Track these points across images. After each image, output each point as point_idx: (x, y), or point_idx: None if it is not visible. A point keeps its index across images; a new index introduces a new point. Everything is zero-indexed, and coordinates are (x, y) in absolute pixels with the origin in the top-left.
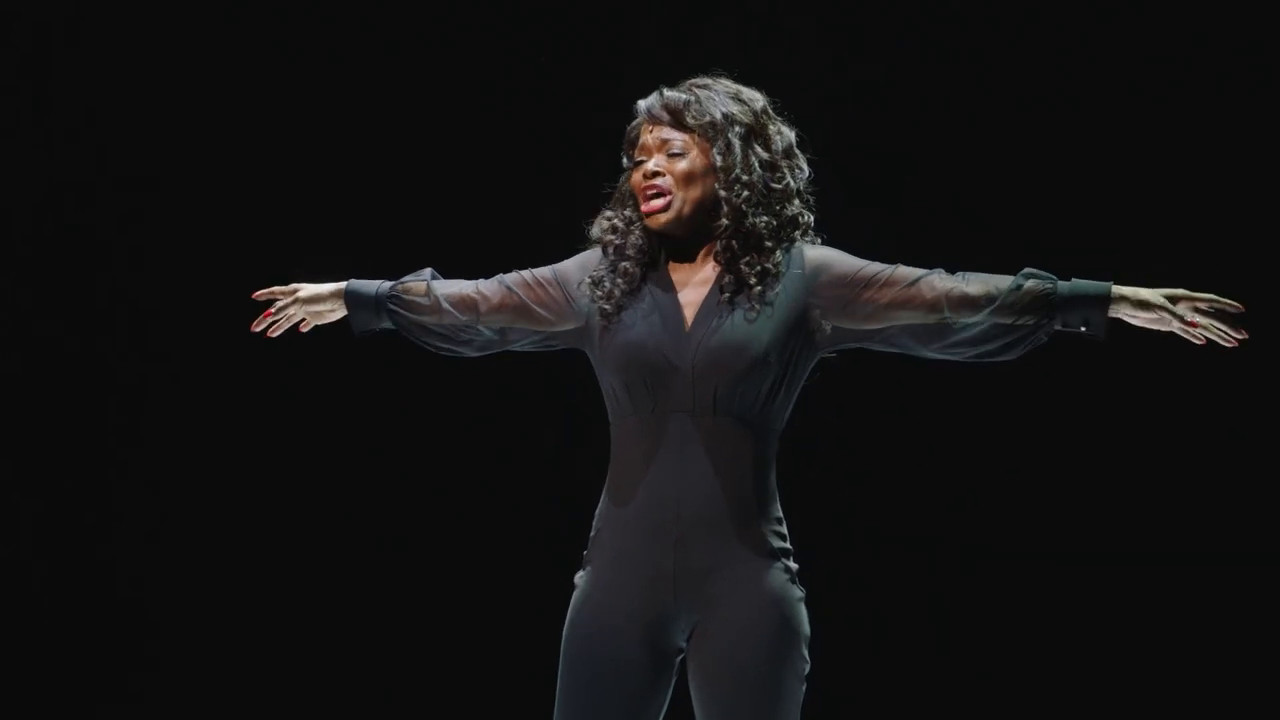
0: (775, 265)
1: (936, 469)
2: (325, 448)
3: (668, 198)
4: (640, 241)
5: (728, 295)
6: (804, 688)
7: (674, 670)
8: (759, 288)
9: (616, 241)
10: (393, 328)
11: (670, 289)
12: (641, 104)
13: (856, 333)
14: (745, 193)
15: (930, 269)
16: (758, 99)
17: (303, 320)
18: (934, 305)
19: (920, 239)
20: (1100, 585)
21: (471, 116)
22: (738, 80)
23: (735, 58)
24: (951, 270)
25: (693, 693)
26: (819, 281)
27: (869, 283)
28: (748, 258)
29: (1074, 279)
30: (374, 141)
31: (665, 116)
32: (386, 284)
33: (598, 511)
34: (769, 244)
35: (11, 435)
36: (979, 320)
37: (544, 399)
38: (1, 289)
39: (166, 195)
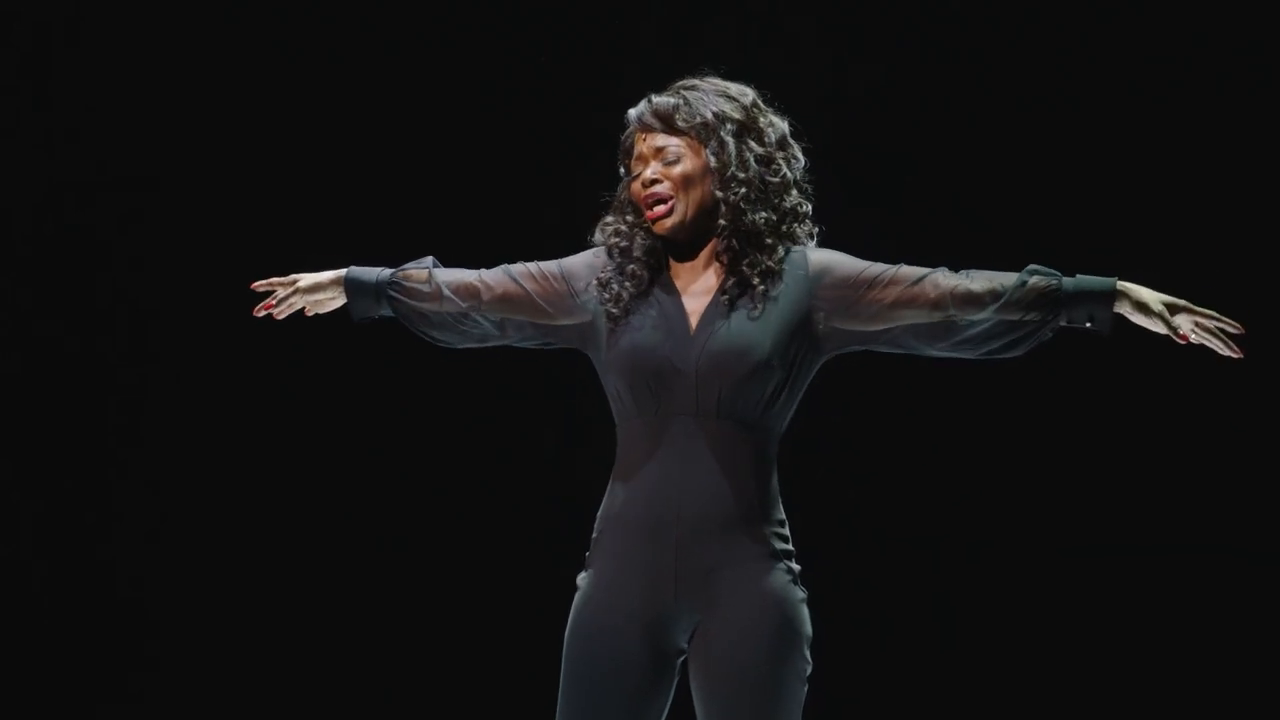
0: (777, 263)
1: (940, 469)
2: (325, 448)
3: (669, 203)
4: (647, 243)
5: (731, 298)
6: (805, 689)
7: (675, 671)
8: (762, 287)
9: (623, 244)
10: (392, 315)
11: (675, 292)
12: (632, 113)
13: (861, 334)
14: (742, 190)
15: (934, 268)
16: (747, 93)
17: (305, 307)
18: (938, 304)
19: (920, 239)
20: (1108, 585)
21: (471, 116)
22: (729, 77)
23: (735, 58)
24: (955, 269)
25: (694, 693)
26: (822, 284)
27: (872, 283)
28: (749, 257)
29: (1078, 275)
30: (374, 142)
31: (656, 123)
32: (387, 271)
33: (600, 512)
34: (769, 240)
35: (11, 435)
36: (984, 318)
37: (544, 399)
38: (1, 289)
39: (166, 195)
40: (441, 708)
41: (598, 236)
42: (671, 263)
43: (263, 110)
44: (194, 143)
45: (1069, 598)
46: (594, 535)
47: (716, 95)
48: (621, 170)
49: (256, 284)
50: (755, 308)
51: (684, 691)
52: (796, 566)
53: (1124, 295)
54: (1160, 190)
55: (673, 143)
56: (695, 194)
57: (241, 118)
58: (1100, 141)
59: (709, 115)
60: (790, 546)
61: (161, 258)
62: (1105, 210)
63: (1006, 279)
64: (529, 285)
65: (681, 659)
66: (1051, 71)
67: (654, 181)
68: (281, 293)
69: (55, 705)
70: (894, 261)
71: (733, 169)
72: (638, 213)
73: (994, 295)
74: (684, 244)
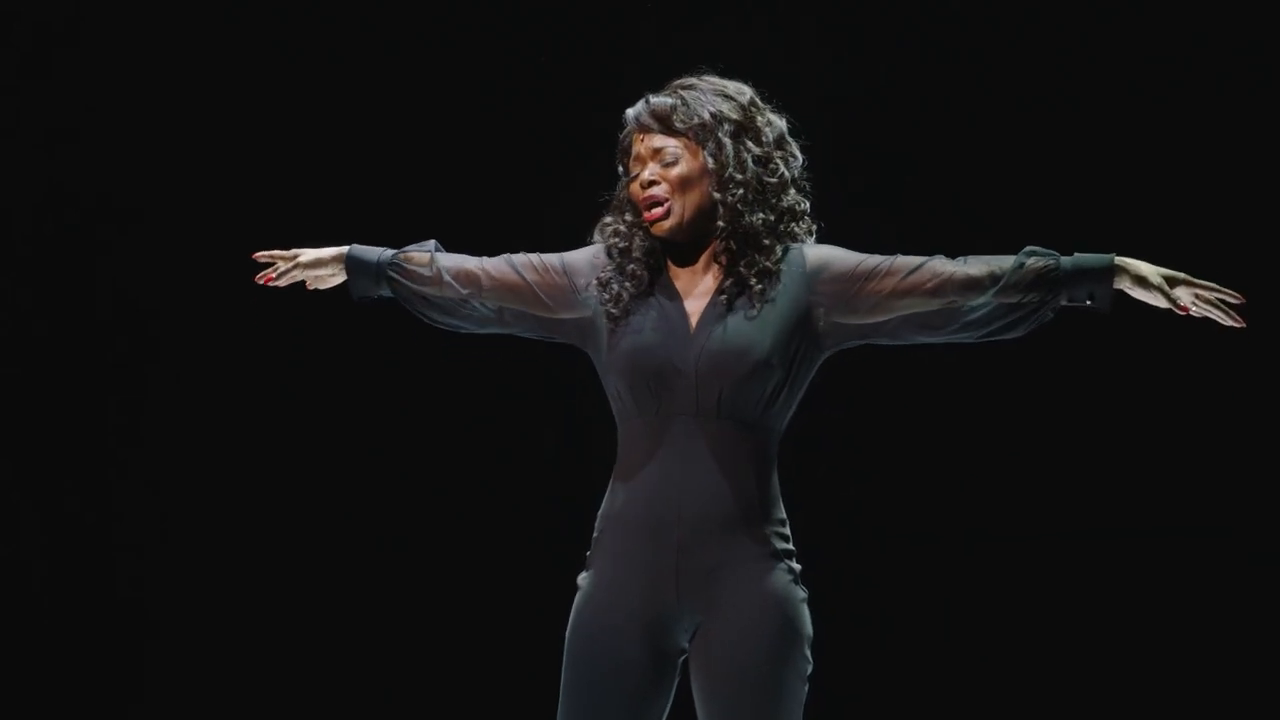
0: (775, 263)
1: (939, 466)
2: (325, 448)
3: (667, 205)
4: (646, 244)
5: (729, 298)
6: (806, 688)
7: (676, 671)
8: (760, 287)
9: (622, 244)
10: (391, 296)
11: (674, 292)
12: (629, 113)
13: (862, 327)
14: (740, 191)
15: (930, 256)
16: (744, 91)
17: (305, 280)
18: (937, 291)
19: (920, 239)
20: (1109, 585)
21: (471, 116)
22: (729, 76)
23: (735, 58)
24: (951, 256)
25: (695, 693)
26: (820, 279)
27: (869, 275)
28: (747, 258)
29: (1076, 253)
30: (374, 142)
31: (654, 124)
32: (389, 251)
33: (600, 512)
34: (767, 241)
35: (11, 435)
36: (984, 302)
37: (544, 399)
38: (1, 289)
39: (167, 195)
40: (441, 708)
41: (597, 236)
42: (671, 263)
43: (263, 110)
44: (194, 143)
45: (1069, 596)
46: (594, 535)
47: (714, 95)
48: (620, 169)
49: (258, 254)
50: (753, 307)
51: (684, 691)
52: (797, 566)
53: (1123, 271)
54: (1160, 190)
55: (670, 144)
56: (693, 195)
57: (242, 118)
58: (1100, 141)
59: (706, 116)
60: (791, 546)
61: (161, 258)
62: (1105, 210)
63: (1004, 262)
64: (530, 276)
65: (682, 659)
66: (1051, 71)
67: (652, 183)
68: (283, 265)
69: (55, 705)
70: (892, 255)
71: (730, 170)
72: (637, 212)
73: (993, 279)
74: (683, 245)
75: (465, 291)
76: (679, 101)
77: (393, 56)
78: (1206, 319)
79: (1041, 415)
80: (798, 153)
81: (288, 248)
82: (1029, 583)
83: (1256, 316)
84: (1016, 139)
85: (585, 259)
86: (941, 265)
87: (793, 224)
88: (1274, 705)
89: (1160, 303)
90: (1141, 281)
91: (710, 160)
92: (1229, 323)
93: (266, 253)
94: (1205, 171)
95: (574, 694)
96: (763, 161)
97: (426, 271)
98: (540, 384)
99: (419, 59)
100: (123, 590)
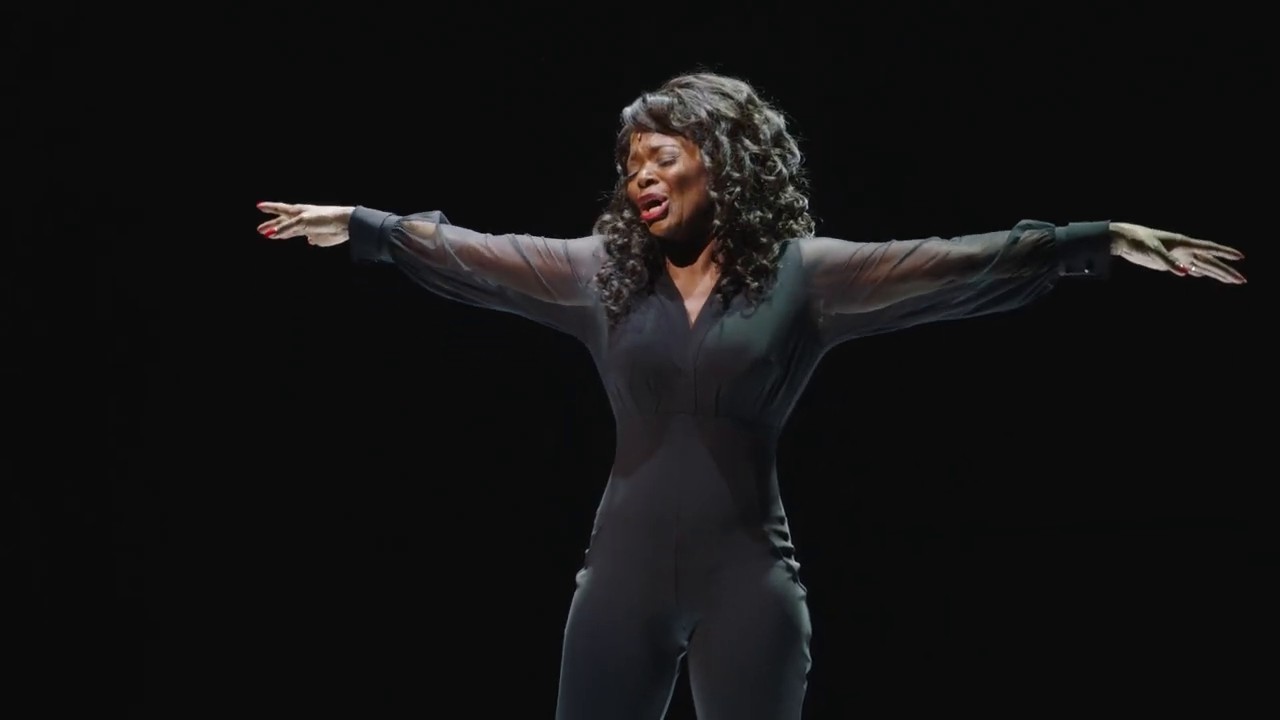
0: (771, 261)
1: (938, 462)
2: (325, 448)
3: (665, 203)
4: (644, 240)
5: (726, 296)
6: (805, 686)
7: (675, 669)
8: (757, 285)
9: (620, 241)
10: (392, 262)
11: (673, 290)
12: (627, 112)
13: (862, 316)
14: (737, 189)
15: (924, 238)
16: (742, 89)
17: (307, 236)
18: (935, 272)
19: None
20: (1111, 586)
21: (471, 116)
22: (725, 74)
23: (735, 58)
24: (946, 237)
25: (694, 691)
26: (817, 272)
27: (865, 263)
28: (744, 256)
29: (1070, 223)
30: (374, 142)
31: (651, 123)
32: (393, 217)
33: (599, 509)
34: (764, 240)
35: (11, 435)
36: (982, 279)
37: (544, 399)
38: (1, 289)
39: (167, 195)
40: (441, 708)
41: (597, 232)
42: (670, 262)
43: (263, 110)
44: (194, 143)
45: (1069, 595)
46: (594, 532)
47: (711, 93)
48: (619, 168)
49: (262, 204)
50: (751, 305)
51: (684, 690)
52: (796, 564)
53: (1119, 236)
54: (1160, 190)
55: (668, 143)
56: (691, 194)
57: (242, 118)
58: (1100, 142)
59: (703, 114)
60: (790, 544)
61: (161, 258)
62: (1106, 210)
63: (999, 237)
64: (533, 260)
65: (681, 657)
66: (1051, 71)
67: (649, 182)
68: (286, 220)
69: (55, 705)
70: (886, 241)
71: (727, 169)
72: (635, 210)
73: (989, 255)
74: (681, 243)
75: (467, 267)
76: (676, 100)
77: (393, 56)
78: (1207, 279)
79: (1041, 409)
80: (796, 150)
81: (290, 246)
82: (1029, 578)
83: (1257, 318)
84: (1016, 139)
85: (588, 250)
86: (937, 246)
87: (791, 221)
88: (1276, 700)
89: (1158, 265)
90: (1138, 245)
91: (707, 159)
92: (1230, 280)
93: (270, 204)
94: (1205, 171)
95: (573, 692)
96: (760, 159)
97: (429, 243)
98: (540, 384)
99: (419, 59)
100: (123, 590)
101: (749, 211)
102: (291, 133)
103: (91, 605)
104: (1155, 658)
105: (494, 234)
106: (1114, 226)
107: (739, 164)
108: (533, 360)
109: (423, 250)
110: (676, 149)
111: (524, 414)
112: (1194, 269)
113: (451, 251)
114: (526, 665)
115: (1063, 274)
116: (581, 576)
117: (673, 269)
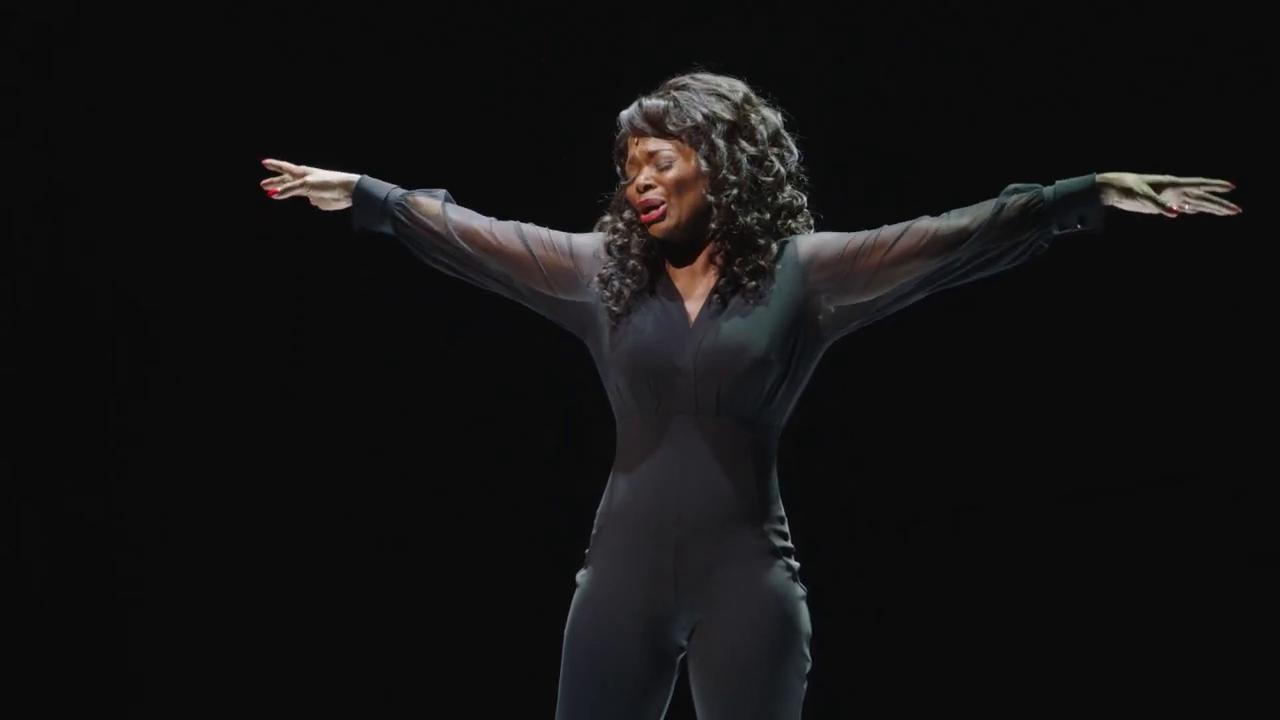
0: (769, 262)
1: (939, 461)
2: (325, 448)
3: (663, 207)
4: (644, 241)
5: (725, 297)
6: (805, 686)
7: (675, 669)
8: (754, 285)
9: (621, 242)
10: (393, 234)
11: (673, 291)
12: (623, 115)
13: (863, 306)
14: (734, 192)
15: (914, 219)
16: (738, 89)
17: (309, 198)
18: (928, 250)
19: None
20: (1112, 585)
21: (471, 116)
22: (725, 73)
23: (735, 58)
24: (935, 214)
25: (694, 691)
26: (813, 268)
27: (859, 252)
28: (741, 257)
29: (1057, 181)
30: (374, 141)
31: (647, 127)
32: (399, 190)
33: (599, 509)
34: (762, 241)
35: (11, 435)
36: (976, 248)
37: (544, 399)
38: (1, 289)
39: (166, 195)
40: (441, 708)
41: (598, 232)
42: (669, 263)
43: (263, 110)
44: (194, 143)
45: (1070, 593)
46: (593, 532)
47: (708, 95)
48: (618, 169)
49: (267, 160)
50: (749, 305)
51: (684, 690)
52: (796, 564)
53: (1107, 186)
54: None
55: (665, 147)
56: (688, 198)
57: (241, 118)
58: (1100, 142)
59: (699, 117)
60: (789, 544)
61: (161, 258)
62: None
63: (987, 206)
64: (537, 251)
65: (681, 657)
66: (1051, 71)
67: (648, 187)
68: (290, 181)
69: (55, 705)
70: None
71: (724, 172)
72: (635, 212)
73: (980, 224)
74: (681, 245)
75: (469, 249)
76: (672, 103)
77: (393, 56)
78: (1201, 215)
79: (1040, 405)
80: (793, 147)
81: (290, 247)
82: (1030, 582)
83: (1258, 319)
84: (1016, 139)
85: (591, 247)
86: (927, 224)
87: (789, 220)
88: (1277, 698)
89: (1150, 209)
90: (1127, 193)
91: (704, 163)
92: (1225, 211)
93: (274, 161)
94: (1204, 171)
95: (572, 692)
96: (757, 161)
97: (433, 222)
98: (540, 384)
99: (419, 59)
100: (123, 590)
101: (746, 214)
102: (291, 133)
103: (91, 605)
104: (1152, 660)
105: (498, 219)
106: (1100, 177)
107: (735, 167)
108: (533, 360)
109: (425, 227)
110: (673, 153)
111: (524, 414)
112: (1187, 207)
113: (454, 231)
114: (526, 665)
115: (1056, 233)
116: (581, 577)
117: (673, 270)
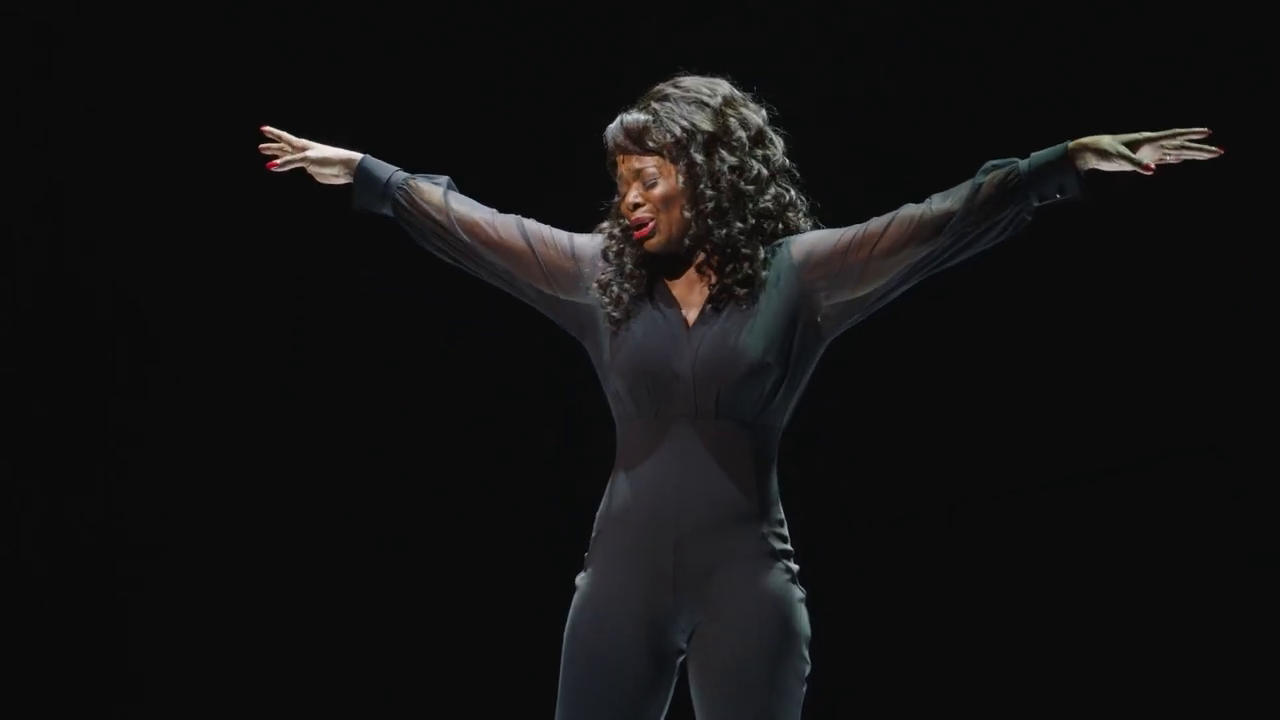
0: (757, 268)
1: (939, 461)
2: (325, 448)
3: (652, 224)
4: (639, 251)
5: (719, 305)
6: (805, 689)
7: (674, 671)
8: (745, 291)
9: (617, 248)
10: (392, 216)
11: (670, 298)
12: (607, 132)
13: (860, 300)
14: (711, 205)
15: (897, 208)
16: (718, 91)
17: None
18: (916, 237)
19: None
20: (1113, 585)
21: (471, 116)
22: (719, 72)
23: (735, 58)
24: (918, 201)
25: (693, 694)
26: (808, 267)
27: (849, 247)
28: (729, 266)
29: (1032, 153)
30: (373, 141)
31: (630, 145)
32: (401, 174)
33: (599, 512)
34: (747, 249)
35: (11, 435)
36: (960, 229)
37: (544, 399)
38: (1, 289)
39: (166, 195)
40: (441, 708)
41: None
42: (666, 272)
43: (263, 110)
44: (193, 143)
45: (1070, 593)
46: (593, 535)
47: (687, 104)
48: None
49: (268, 129)
50: (744, 310)
51: (684, 692)
52: (795, 566)
53: (1082, 151)
54: (1160, 190)
55: (649, 164)
56: (675, 213)
57: (241, 118)
58: None
59: (678, 132)
60: (789, 546)
61: (161, 258)
62: (1105, 210)
63: (966, 186)
64: (538, 248)
65: (681, 659)
66: (1051, 71)
67: (637, 205)
68: (290, 155)
69: (55, 706)
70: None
71: (702, 186)
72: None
73: (961, 205)
74: (675, 255)
75: (468, 240)
76: (651, 118)
77: (393, 56)
78: (1186, 162)
79: (1040, 405)
80: (778, 140)
81: (290, 247)
82: (1029, 582)
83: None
84: (1016, 139)
85: (592, 249)
86: (912, 211)
87: (779, 221)
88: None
89: (1127, 167)
90: (1103, 154)
91: (681, 180)
92: (1207, 155)
93: (275, 131)
94: (1205, 171)
95: (572, 694)
96: (738, 169)
97: (434, 211)
98: (540, 384)
99: (419, 59)
100: (122, 590)
101: (728, 225)
102: (291, 133)
103: (91, 605)
104: (1151, 660)
105: (500, 211)
106: (1074, 143)
107: (715, 180)
108: (533, 360)
109: (426, 214)
110: (656, 171)
111: (524, 414)
112: (1170, 158)
113: (455, 221)
114: (526, 665)
115: (1038, 204)
116: (581, 579)
117: (669, 279)
